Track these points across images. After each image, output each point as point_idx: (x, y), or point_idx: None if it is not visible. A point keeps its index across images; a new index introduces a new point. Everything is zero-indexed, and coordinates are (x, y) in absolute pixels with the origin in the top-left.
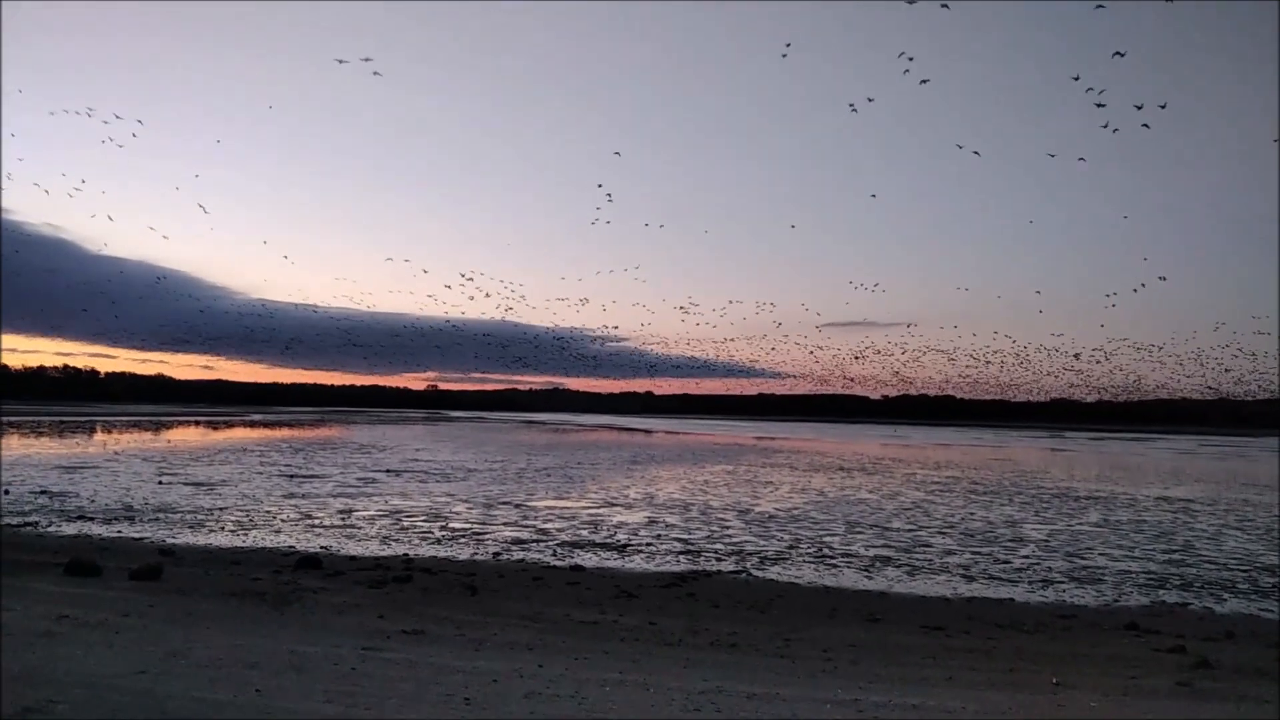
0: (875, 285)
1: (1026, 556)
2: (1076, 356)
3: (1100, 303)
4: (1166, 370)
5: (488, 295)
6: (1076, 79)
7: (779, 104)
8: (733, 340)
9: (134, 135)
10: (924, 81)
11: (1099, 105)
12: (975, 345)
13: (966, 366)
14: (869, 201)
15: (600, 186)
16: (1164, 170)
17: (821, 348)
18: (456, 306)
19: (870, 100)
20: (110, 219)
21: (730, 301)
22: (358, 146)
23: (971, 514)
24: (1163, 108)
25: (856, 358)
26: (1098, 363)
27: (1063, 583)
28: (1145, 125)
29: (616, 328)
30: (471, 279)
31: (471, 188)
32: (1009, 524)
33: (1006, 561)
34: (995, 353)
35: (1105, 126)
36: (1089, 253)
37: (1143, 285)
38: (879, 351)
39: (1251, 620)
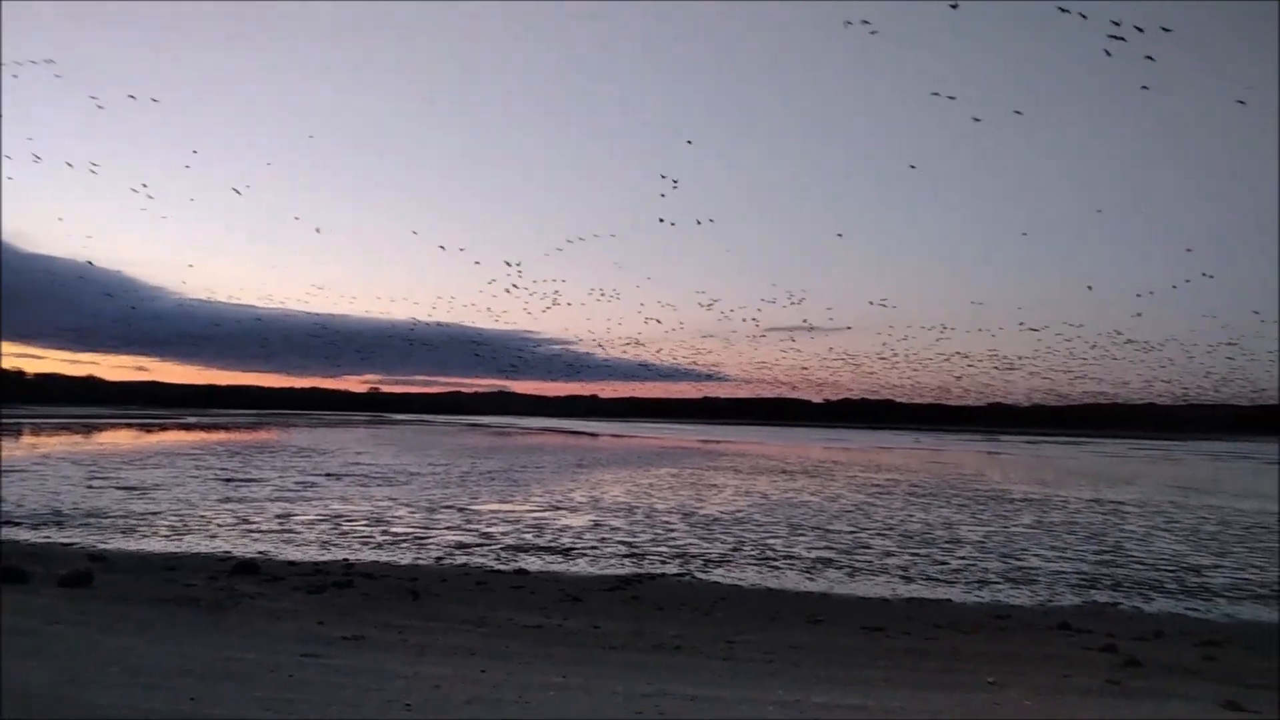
0: (814, 290)
1: (963, 558)
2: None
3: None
4: (1149, 371)
5: (531, 293)
6: (1065, 11)
7: (734, 102)
8: (679, 343)
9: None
10: (873, 31)
11: (1113, 38)
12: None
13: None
14: (819, 202)
15: (664, 177)
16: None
17: (794, 350)
18: (398, 306)
19: (866, 23)
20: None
21: (676, 305)
22: (310, 141)
23: (910, 516)
24: (1166, 30)
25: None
26: (1092, 362)
27: (998, 583)
28: (1149, 58)
29: (567, 330)
30: (518, 265)
31: (424, 188)
32: (946, 526)
33: (944, 563)
34: (990, 354)
35: (1108, 54)
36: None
37: (1186, 281)
38: (832, 355)
39: (1179, 619)
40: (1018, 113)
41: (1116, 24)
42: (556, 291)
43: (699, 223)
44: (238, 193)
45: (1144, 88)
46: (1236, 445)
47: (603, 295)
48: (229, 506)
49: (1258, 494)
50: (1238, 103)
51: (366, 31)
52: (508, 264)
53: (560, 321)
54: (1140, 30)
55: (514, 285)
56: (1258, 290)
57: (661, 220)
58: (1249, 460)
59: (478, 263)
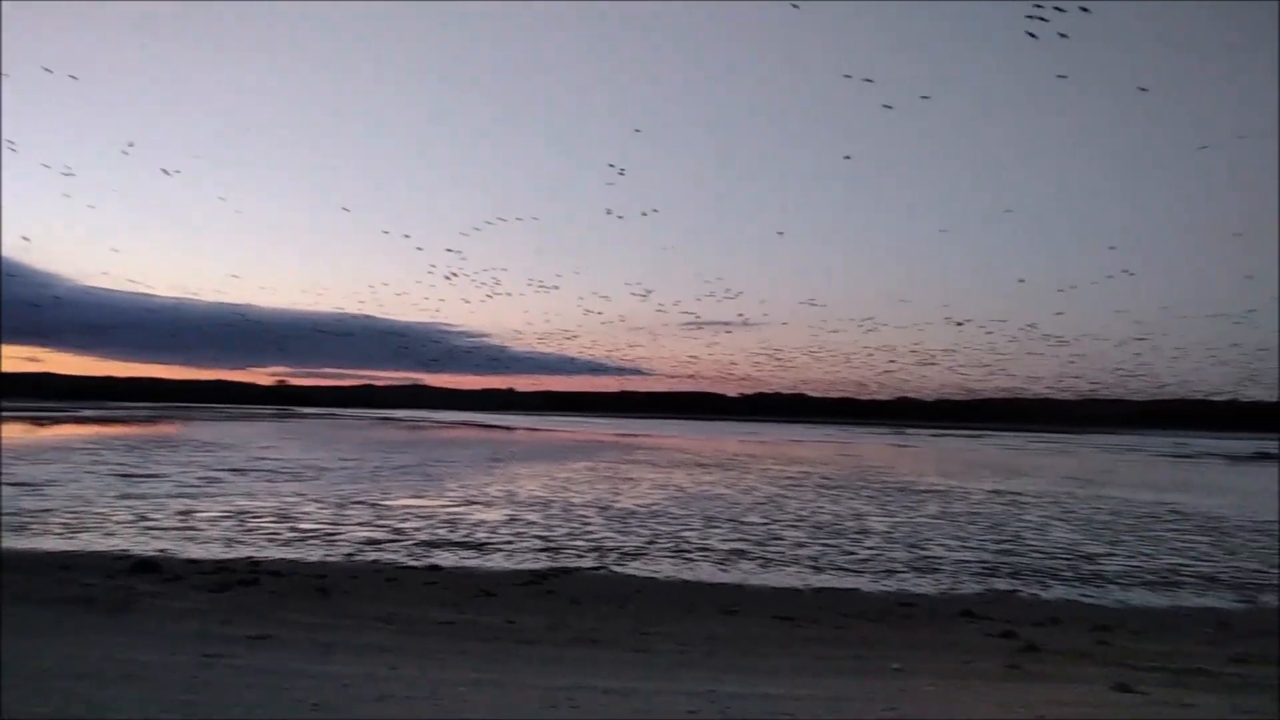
0: (739, 287)
1: (871, 548)
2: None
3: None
4: (1060, 367)
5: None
6: None
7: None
8: (612, 337)
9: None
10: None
11: (1032, 16)
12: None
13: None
14: (740, 198)
15: (612, 165)
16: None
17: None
18: (307, 296)
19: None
20: None
21: (611, 296)
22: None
23: (821, 508)
24: (1085, 10)
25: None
26: (1009, 357)
27: (904, 573)
28: (1063, 35)
29: (480, 324)
30: (460, 253)
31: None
32: (855, 517)
33: (853, 553)
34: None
35: (1032, 36)
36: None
37: (1109, 277)
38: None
39: (1074, 606)
40: (924, 97)
41: (1039, 5)
42: (496, 280)
43: (644, 214)
44: (166, 173)
45: (1061, 76)
46: (1130, 439)
47: (542, 286)
48: (127, 503)
49: (1148, 485)
50: (1139, 90)
51: (307, 12)
52: (449, 250)
53: (495, 313)
54: (1061, 10)
55: (453, 274)
56: (1172, 286)
57: (609, 212)
58: (1139, 453)
59: (420, 249)
